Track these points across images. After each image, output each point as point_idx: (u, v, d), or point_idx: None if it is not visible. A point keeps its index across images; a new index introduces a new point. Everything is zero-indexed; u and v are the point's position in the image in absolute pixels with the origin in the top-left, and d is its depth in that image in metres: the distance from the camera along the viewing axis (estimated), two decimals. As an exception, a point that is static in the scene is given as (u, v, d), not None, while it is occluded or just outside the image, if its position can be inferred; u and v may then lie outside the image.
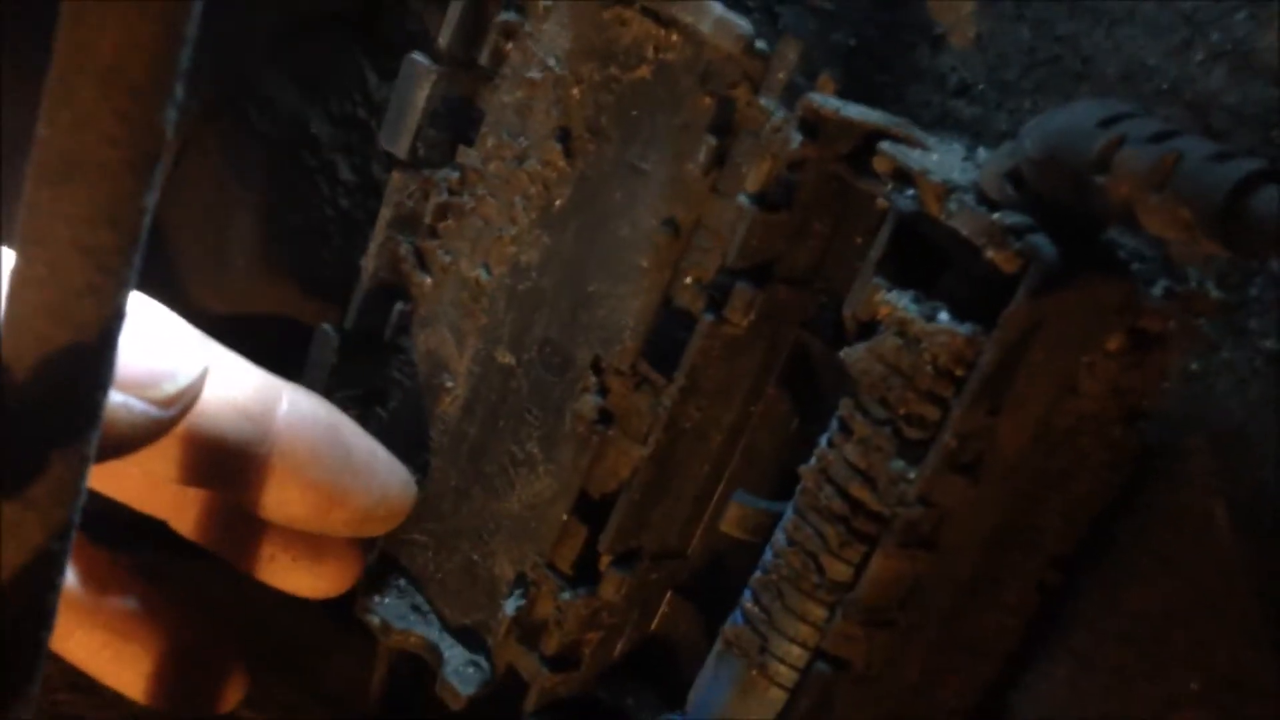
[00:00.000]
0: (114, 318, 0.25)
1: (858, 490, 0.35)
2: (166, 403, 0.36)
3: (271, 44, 0.57)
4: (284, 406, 0.44)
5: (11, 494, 0.26)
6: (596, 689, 0.46)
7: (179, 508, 0.48)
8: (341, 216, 0.59)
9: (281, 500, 0.44)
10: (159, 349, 0.37)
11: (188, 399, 0.37)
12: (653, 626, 0.46)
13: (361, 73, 0.56)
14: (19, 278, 0.25)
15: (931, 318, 0.33)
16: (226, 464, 0.43)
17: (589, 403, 0.43)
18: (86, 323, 0.25)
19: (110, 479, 0.47)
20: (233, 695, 0.50)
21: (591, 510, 0.44)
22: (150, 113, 0.24)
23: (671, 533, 0.44)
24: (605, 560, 0.44)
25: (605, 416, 0.43)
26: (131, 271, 0.25)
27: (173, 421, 0.37)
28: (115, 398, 0.32)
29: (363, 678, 0.57)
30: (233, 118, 0.57)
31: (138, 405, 0.35)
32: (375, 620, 0.49)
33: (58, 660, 0.57)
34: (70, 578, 0.47)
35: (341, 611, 0.57)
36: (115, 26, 0.23)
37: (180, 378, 0.37)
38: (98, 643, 0.47)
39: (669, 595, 0.46)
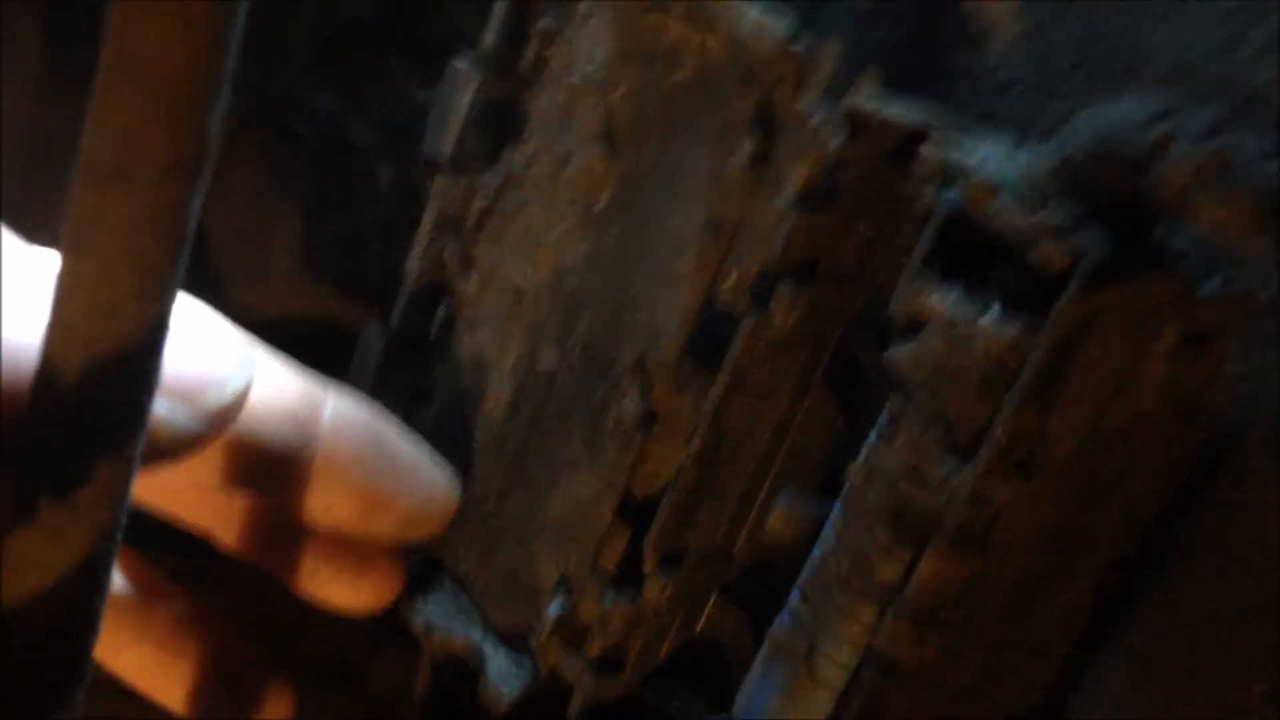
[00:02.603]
0: (160, 322, 0.26)
1: (908, 488, 0.34)
2: (212, 413, 0.36)
3: (311, 53, 0.57)
4: (329, 410, 0.44)
5: (57, 499, 0.26)
6: (641, 692, 0.46)
7: (223, 519, 0.48)
8: (381, 222, 0.59)
9: (326, 505, 0.44)
10: (205, 357, 0.37)
11: (233, 409, 0.37)
12: (698, 629, 0.46)
13: (401, 79, 0.57)
14: (66, 282, 0.25)
15: (980, 315, 0.33)
16: (271, 469, 0.43)
17: (632, 403, 0.43)
18: (133, 327, 0.25)
19: (154, 490, 0.47)
20: (278, 711, 0.50)
21: (636, 512, 0.44)
22: (196, 119, 0.24)
23: (717, 534, 0.44)
24: (650, 562, 0.43)
25: (649, 417, 0.42)
26: (177, 276, 0.25)
27: (218, 432, 0.37)
28: (160, 407, 0.32)
29: (408, 686, 0.57)
30: (274, 127, 0.57)
31: (182, 415, 0.35)
32: (419, 622, 0.49)
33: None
34: (122, 589, 0.47)
35: (387, 620, 0.57)
36: (161, 33, 0.23)
37: (227, 387, 0.37)
38: (148, 656, 0.47)
39: (715, 597, 0.45)
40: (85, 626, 0.28)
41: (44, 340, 0.26)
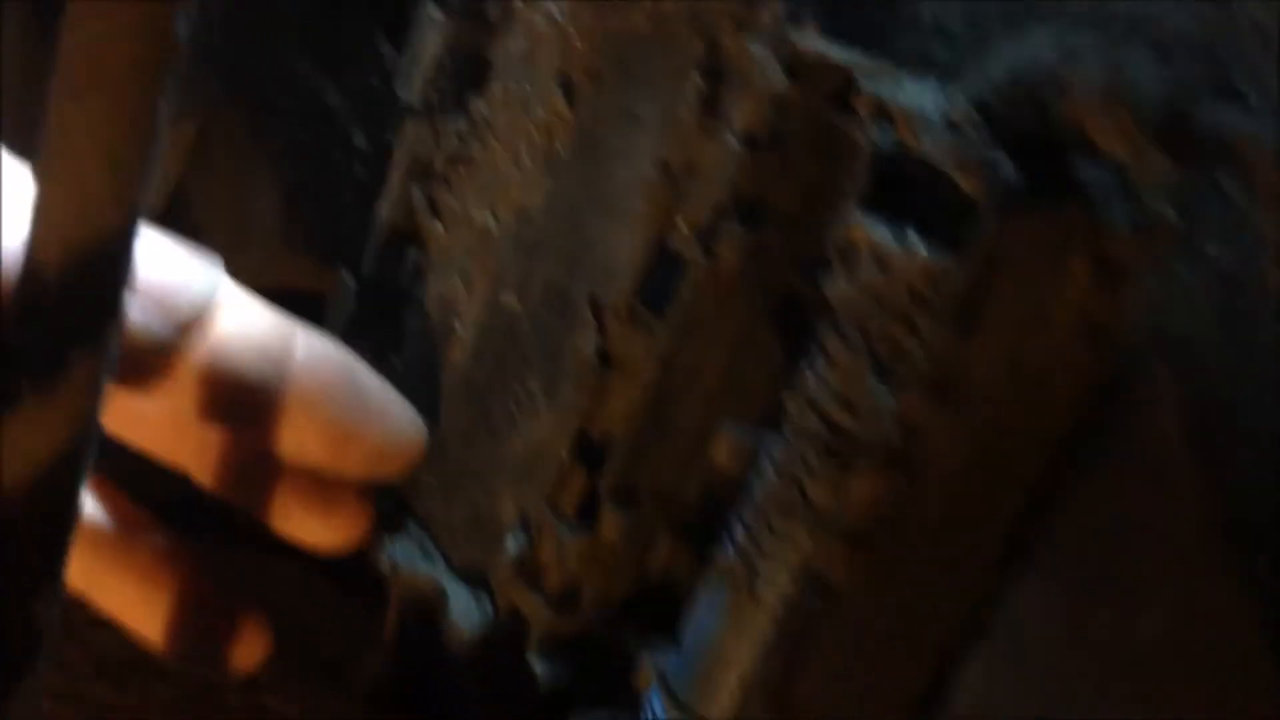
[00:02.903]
0: (133, 218, 0.27)
1: (838, 413, 0.36)
2: (182, 320, 0.38)
3: (290, 21, 0.59)
4: (299, 347, 0.46)
5: (39, 389, 0.28)
6: (597, 629, 0.48)
7: (198, 455, 0.50)
8: (358, 186, 0.61)
9: (298, 439, 0.46)
10: (173, 271, 0.39)
11: (201, 319, 0.39)
12: (652, 568, 0.48)
13: (376, 44, 0.58)
14: (45, 184, 0.27)
15: (906, 245, 0.35)
16: (244, 401, 0.45)
17: (587, 344, 0.45)
18: (108, 224, 0.27)
19: (133, 425, 0.49)
20: (253, 653, 0.51)
21: (592, 452, 0.46)
22: (163, 23, 0.26)
23: (669, 472, 0.46)
24: (604, 500, 0.45)
25: (603, 357, 0.44)
26: (149, 176, 0.27)
27: (187, 342, 0.39)
28: (134, 315, 0.34)
29: (361, 651, 0.59)
30: (253, 96, 0.59)
31: (155, 322, 0.37)
32: (386, 562, 0.51)
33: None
34: (105, 522, 0.49)
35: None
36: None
37: (196, 296, 0.39)
38: (128, 590, 0.49)
39: (668, 536, 0.47)
40: (65, 516, 0.30)
41: (27, 240, 0.28)
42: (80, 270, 0.28)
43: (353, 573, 0.54)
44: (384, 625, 0.53)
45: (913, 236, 0.34)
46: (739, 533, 0.39)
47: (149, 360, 0.38)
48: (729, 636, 0.40)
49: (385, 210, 0.49)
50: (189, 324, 0.39)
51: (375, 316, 0.51)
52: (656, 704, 0.42)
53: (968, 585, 0.38)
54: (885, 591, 0.38)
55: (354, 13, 0.59)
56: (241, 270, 0.61)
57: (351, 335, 0.50)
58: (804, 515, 0.37)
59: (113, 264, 0.28)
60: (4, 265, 0.30)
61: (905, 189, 0.36)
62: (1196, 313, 0.31)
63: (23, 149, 0.56)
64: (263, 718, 0.64)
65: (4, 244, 0.31)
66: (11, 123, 0.58)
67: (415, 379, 0.50)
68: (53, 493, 0.29)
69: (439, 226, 0.49)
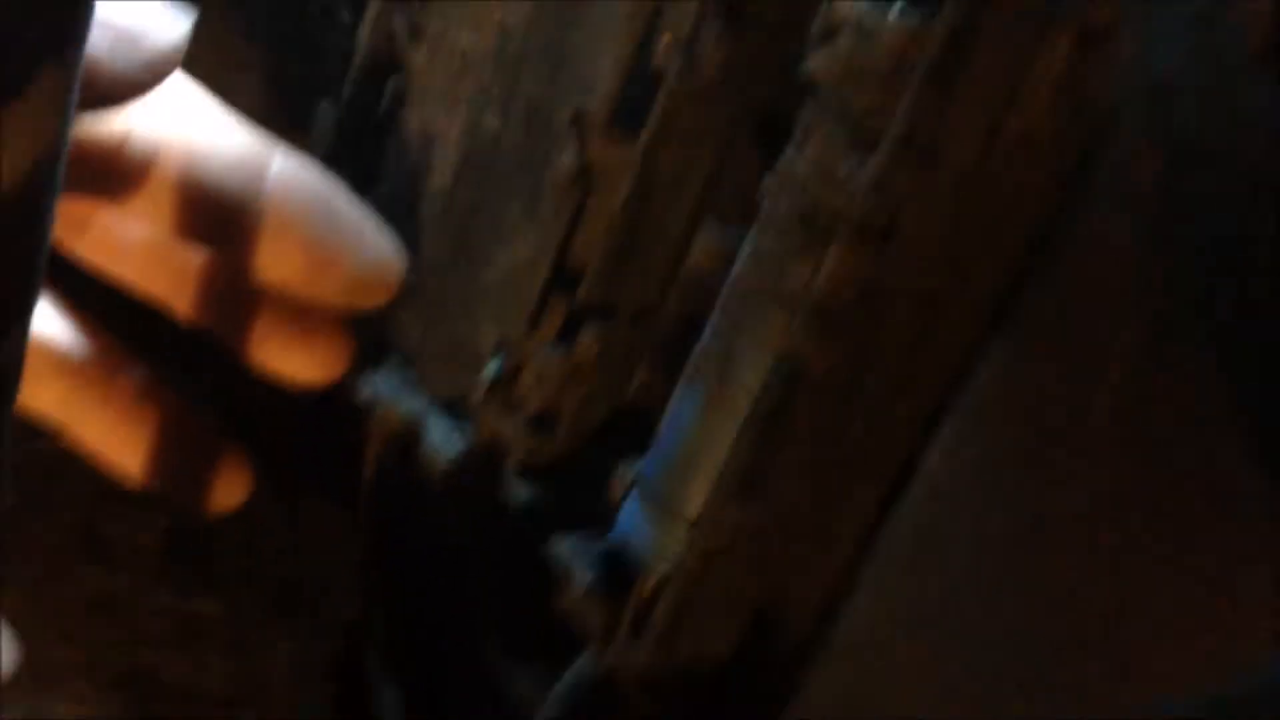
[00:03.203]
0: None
1: (816, 188, 0.36)
2: (150, 61, 0.38)
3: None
4: (277, 165, 0.46)
5: (4, 104, 0.28)
6: (576, 453, 0.48)
7: (177, 285, 0.49)
8: (344, 61, 0.60)
9: (274, 259, 0.46)
10: (143, 12, 0.38)
11: (169, 60, 0.39)
12: (630, 393, 0.47)
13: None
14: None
15: (887, 12, 0.35)
16: (220, 217, 0.45)
17: (568, 159, 0.44)
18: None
19: (112, 256, 0.49)
20: (236, 489, 0.51)
21: (572, 274, 0.45)
22: None
23: (647, 292, 0.45)
24: (583, 319, 0.45)
25: (583, 172, 0.44)
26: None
27: (153, 81, 0.38)
28: (101, 47, 0.33)
29: (367, 615, 0.59)
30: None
31: (122, 58, 0.37)
32: (364, 395, 0.50)
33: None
34: (84, 354, 0.49)
35: (347, 551, 0.59)
36: None
37: (165, 35, 0.38)
38: (109, 424, 0.49)
39: (646, 360, 0.47)
40: (29, 249, 0.29)
41: None
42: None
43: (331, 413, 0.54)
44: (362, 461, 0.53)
45: (898, 5, 0.34)
46: (715, 323, 0.39)
47: (111, 90, 0.37)
48: (704, 430, 0.39)
49: (364, 37, 0.49)
50: (157, 66, 0.38)
51: (355, 148, 0.50)
52: (632, 510, 0.42)
53: (943, 363, 0.37)
54: (861, 372, 0.38)
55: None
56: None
57: (331, 167, 0.50)
58: (779, 297, 0.37)
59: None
60: None
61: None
62: (1172, 56, 0.31)
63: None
64: (248, 651, 0.65)
65: None
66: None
67: (396, 211, 0.50)
68: (14, 220, 0.29)
69: (420, 52, 0.49)
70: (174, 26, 0.39)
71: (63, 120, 0.29)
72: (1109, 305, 0.32)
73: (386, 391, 0.50)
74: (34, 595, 0.63)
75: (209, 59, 0.58)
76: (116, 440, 0.49)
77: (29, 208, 0.29)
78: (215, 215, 0.45)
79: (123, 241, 0.48)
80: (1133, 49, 0.32)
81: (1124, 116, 0.32)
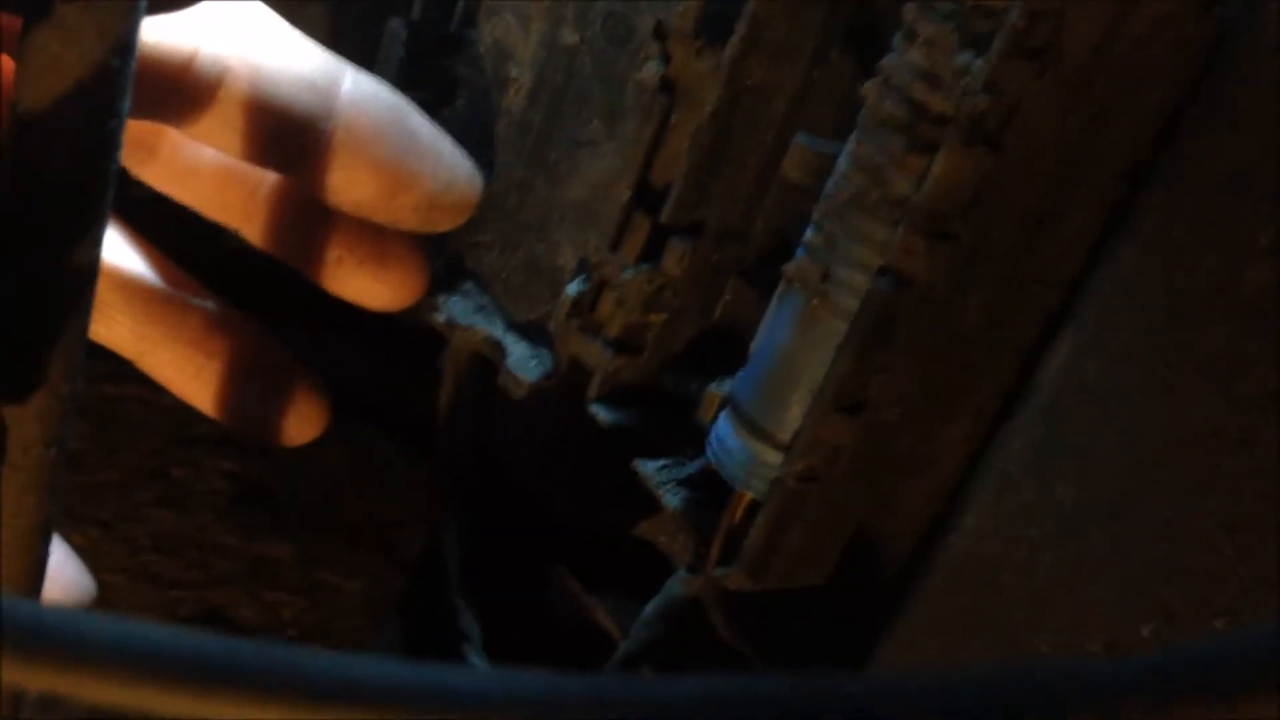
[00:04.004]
0: None
1: (923, 92, 0.34)
2: None
3: None
4: (348, 84, 0.44)
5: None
6: (661, 377, 0.46)
7: (250, 210, 0.48)
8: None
9: (348, 181, 0.44)
10: None
11: None
12: (716, 315, 0.46)
13: None
14: None
15: (998, -99, 0.32)
16: (292, 138, 0.43)
17: (650, 69, 0.42)
18: None
19: (184, 181, 0.48)
20: (312, 422, 0.50)
21: (655, 193, 0.44)
22: None
23: (734, 209, 0.44)
24: (669, 235, 0.43)
25: (667, 85, 0.42)
26: None
27: None
28: None
29: (440, 549, 0.58)
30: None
31: None
32: (441, 318, 0.49)
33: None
34: (156, 286, 0.48)
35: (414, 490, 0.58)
36: None
37: None
38: (180, 356, 0.48)
39: (732, 280, 0.45)
40: (104, 141, 0.28)
41: None
42: None
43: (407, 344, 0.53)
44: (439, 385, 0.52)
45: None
46: (810, 236, 0.37)
47: (190, 81, 0.36)
48: (799, 346, 0.38)
49: (436, -49, 0.47)
50: None
51: (426, 66, 0.49)
52: (724, 429, 0.41)
53: (1058, 290, 0.36)
54: (967, 289, 0.36)
55: None
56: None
57: (403, 85, 0.48)
58: (882, 209, 0.35)
59: None
60: None
61: None
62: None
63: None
64: (319, 590, 0.65)
65: None
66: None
67: (470, 131, 0.49)
68: (90, 111, 0.28)
69: (492, -35, 0.47)
70: None
71: (133, 16, 0.27)
72: (1245, 206, 0.30)
73: (463, 315, 0.49)
74: (106, 536, 0.63)
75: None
76: (189, 371, 0.48)
77: (99, 106, 0.28)
78: (285, 136, 0.43)
79: (192, 165, 0.47)
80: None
81: (1255, 14, 0.30)
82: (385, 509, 0.64)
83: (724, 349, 0.46)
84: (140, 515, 0.64)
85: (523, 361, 0.47)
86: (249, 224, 0.48)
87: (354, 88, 0.44)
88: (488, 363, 0.49)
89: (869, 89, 0.36)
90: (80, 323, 0.29)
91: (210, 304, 0.49)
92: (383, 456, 0.65)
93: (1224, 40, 0.32)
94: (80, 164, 0.28)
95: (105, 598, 0.53)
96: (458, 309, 0.49)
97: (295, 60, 0.43)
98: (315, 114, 0.43)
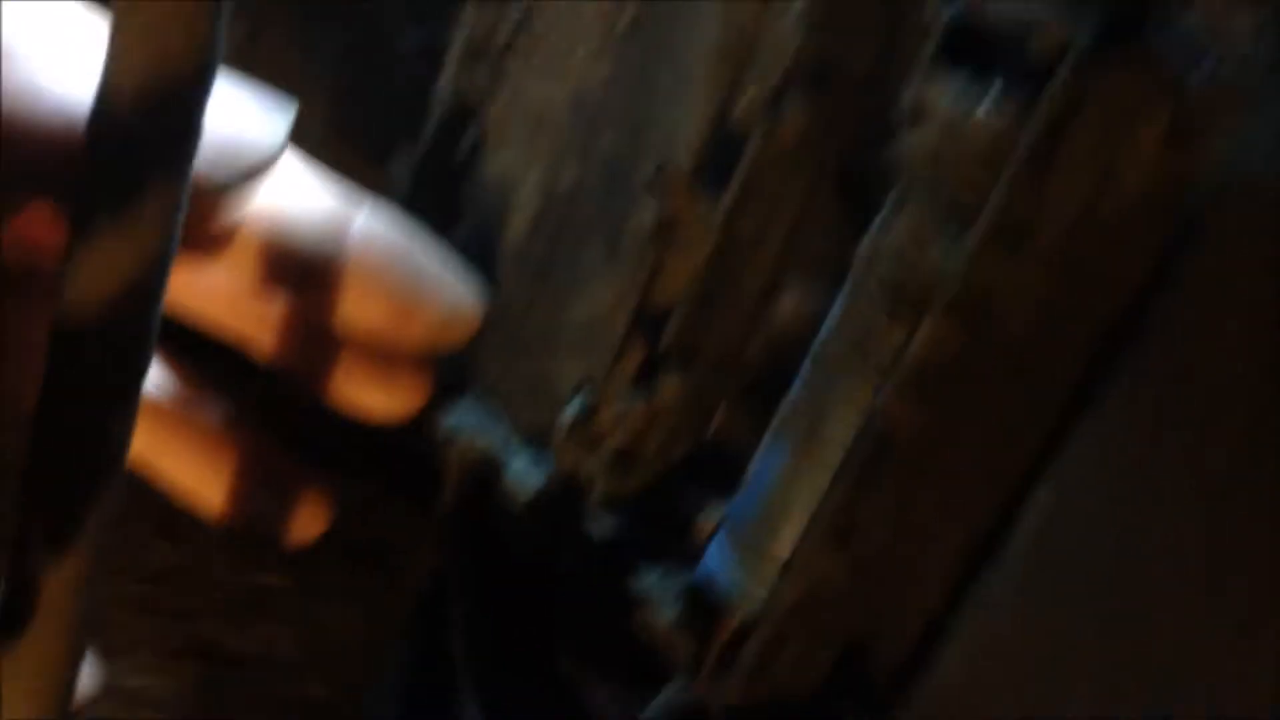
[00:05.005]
0: (210, 48, 0.28)
1: (907, 267, 0.37)
2: (249, 168, 0.39)
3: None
4: (360, 218, 0.46)
5: (113, 217, 0.29)
6: (655, 490, 0.49)
7: (257, 328, 0.50)
8: (410, 83, 0.60)
9: (359, 310, 0.47)
10: (243, 119, 0.39)
11: (267, 164, 0.39)
12: (710, 432, 0.48)
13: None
14: (121, 12, 0.27)
15: (980, 103, 0.35)
16: (304, 271, 0.46)
17: (650, 214, 0.45)
18: (185, 53, 0.28)
19: (191, 299, 0.49)
20: (314, 524, 0.52)
21: (652, 320, 0.46)
22: None
23: (728, 338, 0.46)
24: (665, 362, 0.46)
25: (666, 227, 0.45)
26: (226, 13, 0.27)
27: (253, 185, 0.39)
28: (201, 161, 0.34)
29: (442, 571, 0.60)
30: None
31: (222, 168, 0.38)
32: (444, 429, 0.51)
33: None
34: (166, 390, 0.50)
35: (425, 509, 0.59)
36: None
37: (263, 145, 0.39)
38: (190, 462, 0.50)
39: (725, 401, 0.47)
40: (140, 339, 0.30)
41: (102, 70, 0.28)
42: (157, 101, 0.28)
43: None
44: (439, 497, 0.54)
45: (988, 92, 0.34)
46: (802, 385, 0.40)
47: (210, 201, 0.38)
48: (791, 483, 0.41)
49: (444, 87, 0.50)
50: (258, 172, 0.39)
51: (433, 192, 0.51)
52: (718, 549, 0.43)
53: (1033, 433, 0.38)
54: (948, 439, 0.38)
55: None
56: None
57: (409, 211, 0.51)
58: (868, 365, 0.38)
59: (189, 97, 0.28)
60: (76, 112, 0.30)
61: (975, 46, 0.36)
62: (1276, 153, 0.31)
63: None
64: (314, 621, 0.65)
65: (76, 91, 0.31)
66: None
67: (474, 253, 0.51)
68: (127, 318, 0.30)
69: (498, 103, 0.49)
70: (274, 128, 0.40)
71: (169, 236, 0.30)
72: (1214, 367, 0.33)
73: (467, 424, 0.51)
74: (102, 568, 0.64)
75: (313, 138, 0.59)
76: (198, 478, 0.50)
77: (134, 318, 0.30)
78: (300, 270, 0.45)
79: (204, 289, 0.49)
80: (1228, 146, 0.32)
81: (1225, 205, 0.32)
82: (388, 533, 0.65)
83: (717, 464, 0.48)
84: (137, 547, 0.65)
85: (523, 472, 0.50)
86: (257, 341, 0.50)
87: (366, 221, 0.46)
88: (488, 468, 0.51)
89: (859, 254, 0.38)
90: (114, 492, 0.31)
91: (219, 409, 0.50)
92: (385, 500, 0.65)
93: (1192, 225, 0.34)
94: (117, 358, 0.30)
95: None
96: (461, 419, 0.51)
97: (311, 199, 0.45)
98: (329, 249, 0.45)
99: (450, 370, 0.52)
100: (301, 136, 0.55)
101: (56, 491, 0.30)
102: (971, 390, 0.38)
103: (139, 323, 0.30)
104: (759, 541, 0.42)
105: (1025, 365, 0.37)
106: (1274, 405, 0.31)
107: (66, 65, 0.33)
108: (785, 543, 0.41)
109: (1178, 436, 0.33)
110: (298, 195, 0.45)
